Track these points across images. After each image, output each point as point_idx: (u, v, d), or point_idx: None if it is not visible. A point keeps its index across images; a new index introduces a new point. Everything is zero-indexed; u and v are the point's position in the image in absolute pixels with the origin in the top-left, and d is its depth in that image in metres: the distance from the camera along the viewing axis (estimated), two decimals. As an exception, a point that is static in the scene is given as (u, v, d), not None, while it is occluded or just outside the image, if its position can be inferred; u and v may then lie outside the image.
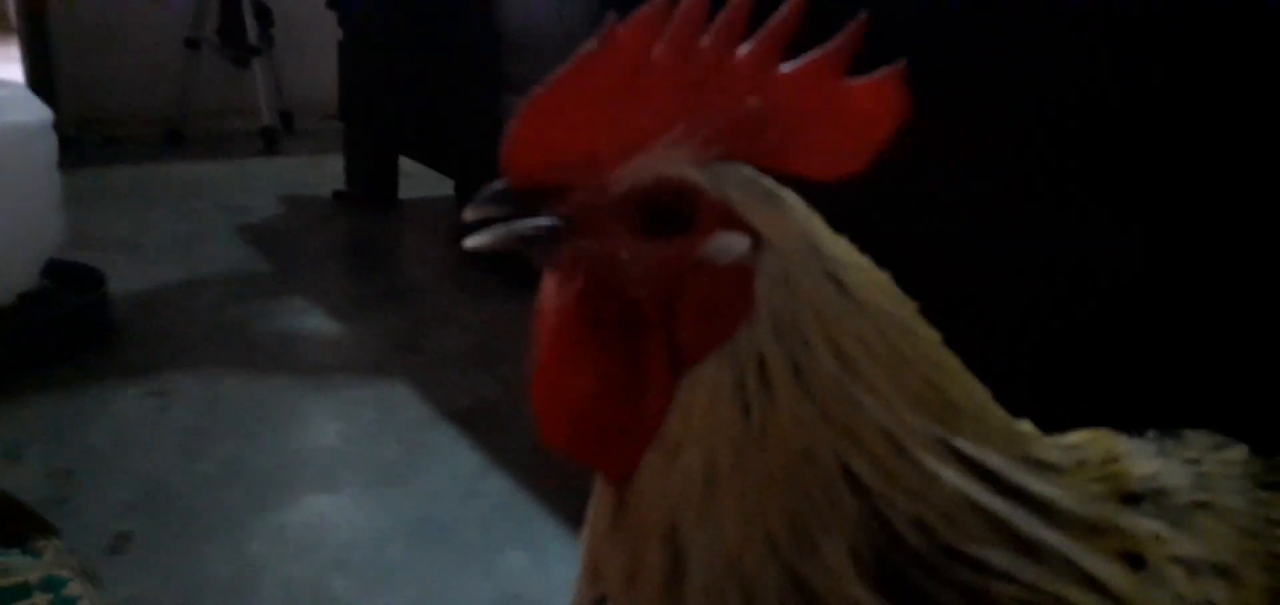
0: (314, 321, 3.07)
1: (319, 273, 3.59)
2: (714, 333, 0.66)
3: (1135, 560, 0.67)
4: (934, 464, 0.62)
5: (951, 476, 0.62)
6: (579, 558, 0.73)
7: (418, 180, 4.33)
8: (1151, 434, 0.84)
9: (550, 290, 0.73)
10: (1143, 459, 0.78)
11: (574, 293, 0.71)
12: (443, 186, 4.21)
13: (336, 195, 4.41)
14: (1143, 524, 0.70)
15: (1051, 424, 0.76)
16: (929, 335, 0.68)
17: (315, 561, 1.88)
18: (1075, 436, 0.77)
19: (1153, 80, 1.25)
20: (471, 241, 0.71)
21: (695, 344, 0.66)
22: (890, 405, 0.63)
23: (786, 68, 0.66)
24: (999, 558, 0.60)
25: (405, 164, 4.30)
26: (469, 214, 0.69)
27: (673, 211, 0.66)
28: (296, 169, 4.96)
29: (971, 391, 0.68)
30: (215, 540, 1.94)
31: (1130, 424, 0.85)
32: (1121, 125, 1.28)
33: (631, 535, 0.65)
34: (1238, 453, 0.84)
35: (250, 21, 5.42)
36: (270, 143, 5.41)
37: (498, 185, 0.67)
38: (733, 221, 0.66)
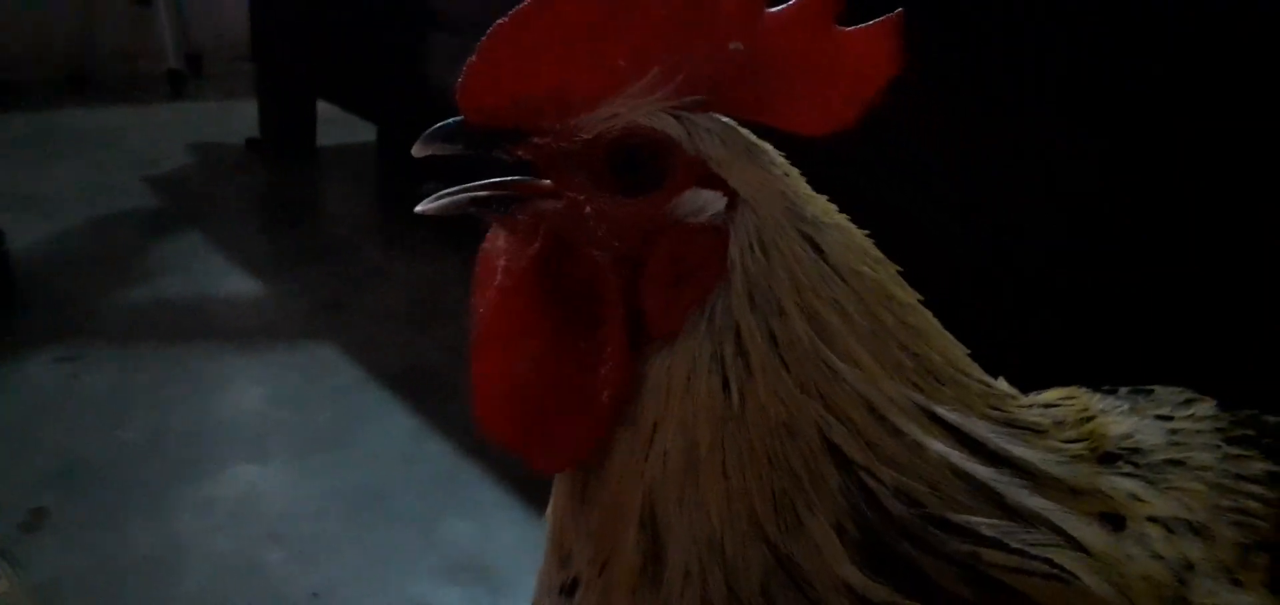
0: (233, 280, 3.01)
1: (236, 227, 3.52)
2: (684, 298, 0.65)
3: (1115, 521, 0.69)
4: (918, 433, 0.63)
5: (936, 446, 0.63)
6: (544, 536, 0.72)
7: (337, 126, 4.25)
8: (1123, 391, 0.86)
9: (497, 253, 0.71)
10: (1117, 418, 0.80)
11: (529, 256, 0.69)
12: (364, 132, 4.14)
13: (250, 143, 4.31)
14: (1121, 484, 0.72)
15: (1026, 379, 0.78)
16: (908, 299, 0.68)
17: (246, 534, 1.86)
18: (1050, 394, 0.79)
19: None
20: (423, 207, 0.70)
21: (662, 312, 0.65)
22: (870, 375, 0.64)
23: (774, 11, 0.65)
24: (988, 526, 0.61)
25: (323, 109, 4.21)
26: (418, 150, 0.67)
27: (644, 163, 0.64)
28: (207, 115, 4.84)
29: (951, 355, 0.69)
30: (138, 514, 1.91)
31: (1101, 378, 0.87)
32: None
33: (605, 518, 0.64)
34: (1206, 407, 0.86)
35: (152, -44, 5.26)
36: (177, 87, 5.27)
37: (451, 121, 0.65)
38: (708, 178, 0.65)
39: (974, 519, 0.61)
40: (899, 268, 0.69)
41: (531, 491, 1.94)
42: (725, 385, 0.63)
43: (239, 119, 4.48)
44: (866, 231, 0.69)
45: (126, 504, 1.94)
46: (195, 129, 4.54)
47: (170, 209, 3.60)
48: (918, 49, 0.64)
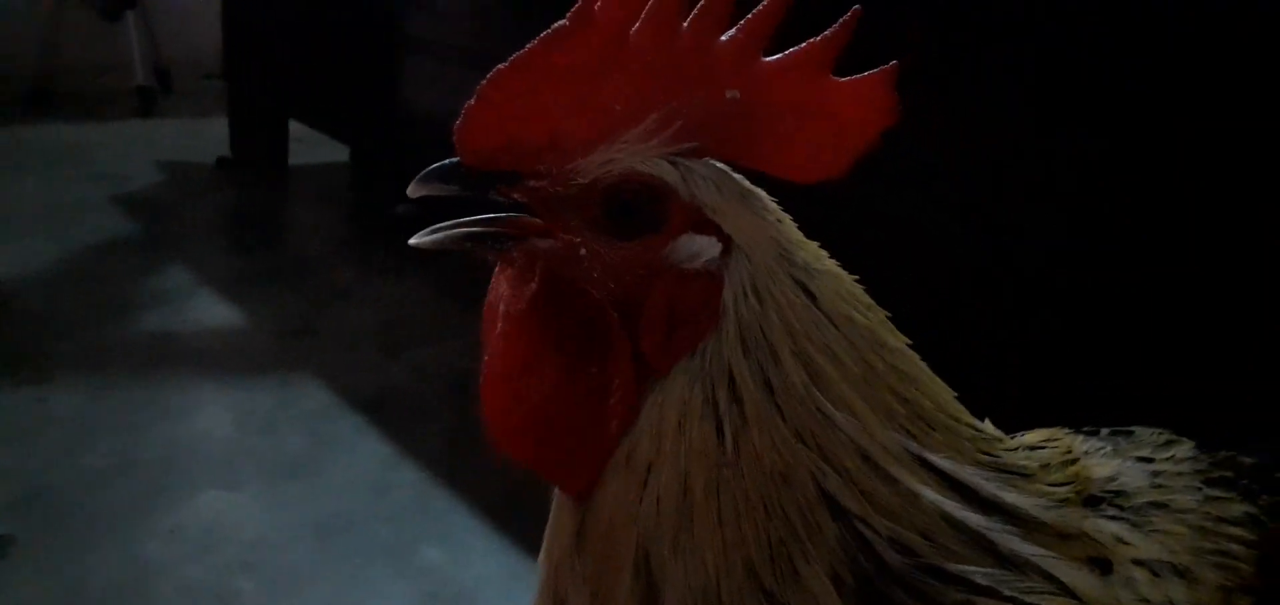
0: (202, 301, 2.99)
1: (206, 247, 3.49)
2: (679, 342, 0.66)
3: (1103, 564, 0.70)
4: (912, 482, 0.63)
5: (930, 494, 0.63)
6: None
7: (308, 145, 4.23)
8: (1104, 432, 0.87)
9: (502, 290, 0.71)
10: (1101, 460, 0.81)
11: (529, 294, 0.69)
12: (336, 151, 4.13)
13: (221, 162, 4.29)
14: (1107, 527, 0.73)
15: (1009, 414, 0.79)
16: (898, 344, 0.69)
17: (216, 563, 1.84)
18: (1033, 436, 0.80)
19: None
20: (417, 240, 0.70)
21: (659, 353, 0.66)
22: (864, 422, 0.64)
23: (770, 60, 0.65)
24: (982, 575, 0.62)
25: (295, 127, 4.20)
26: (413, 190, 0.67)
27: (639, 208, 0.65)
28: (176, 132, 4.82)
29: (941, 400, 0.69)
30: (105, 542, 1.88)
31: (1082, 416, 0.88)
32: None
33: (599, 562, 0.64)
34: (1186, 449, 0.87)
35: (122, -29, 5.22)
36: (146, 103, 5.24)
37: (447, 162, 0.65)
38: (702, 224, 0.65)
39: (968, 568, 0.62)
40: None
41: (505, 517, 1.94)
42: (719, 431, 0.64)
43: (209, 137, 4.46)
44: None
45: (94, 531, 1.91)
46: (165, 147, 4.52)
47: (139, 229, 3.57)
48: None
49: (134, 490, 2.05)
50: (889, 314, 0.69)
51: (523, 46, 0.65)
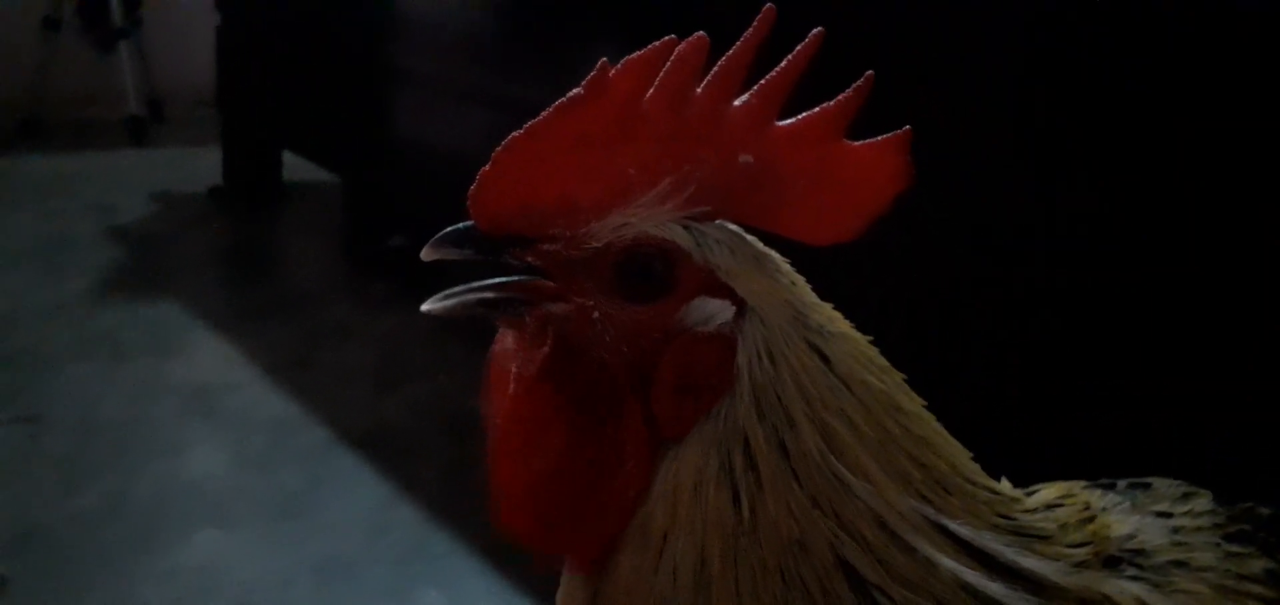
0: (196, 335, 2.98)
1: (198, 280, 3.48)
2: (693, 407, 0.65)
3: (1124, 629, 0.69)
4: (929, 550, 0.63)
5: (947, 563, 0.63)
6: None
7: (302, 175, 4.23)
8: (1122, 484, 0.86)
9: (509, 355, 0.71)
10: (1120, 516, 0.80)
11: (540, 359, 0.69)
12: (330, 182, 4.12)
13: (213, 192, 4.28)
14: (1128, 589, 0.72)
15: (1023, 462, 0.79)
16: (913, 408, 0.68)
17: (211, 605, 1.83)
18: (1049, 492, 0.79)
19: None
20: (429, 306, 0.70)
21: (672, 419, 0.66)
22: (880, 488, 0.64)
23: (783, 124, 0.65)
24: (1001, 647, 0.61)
25: (288, 158, 4.19)
26: (427, 254, 0.67)
27: (653, 272, 0.65)
28: (168, 162, 4.80)
29: (957, 463, 0.69)
30: (99, 584, 1.87)
31: (1098, 464, 0.88)
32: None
33: (615, 635, 0.64)
34: (1203, 501, 0.87)
35: (115, 1, 5.22)
36: (138, 133, 5.22)
37: (462, 226, 0.66)
38: (716, 287, 0.65)
39: (989, 640, 0.61)
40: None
41: (505, 560, 1.93)
42: (735, 498, 0.63)
43: (201, 167, 4.45)
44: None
45: (87, 572, 1.90)
46: (156, 177, 4.51)
47: (131, 261, 3.56)
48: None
49: (128, 530, 2.04)
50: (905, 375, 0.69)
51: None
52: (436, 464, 2.29)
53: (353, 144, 3.49)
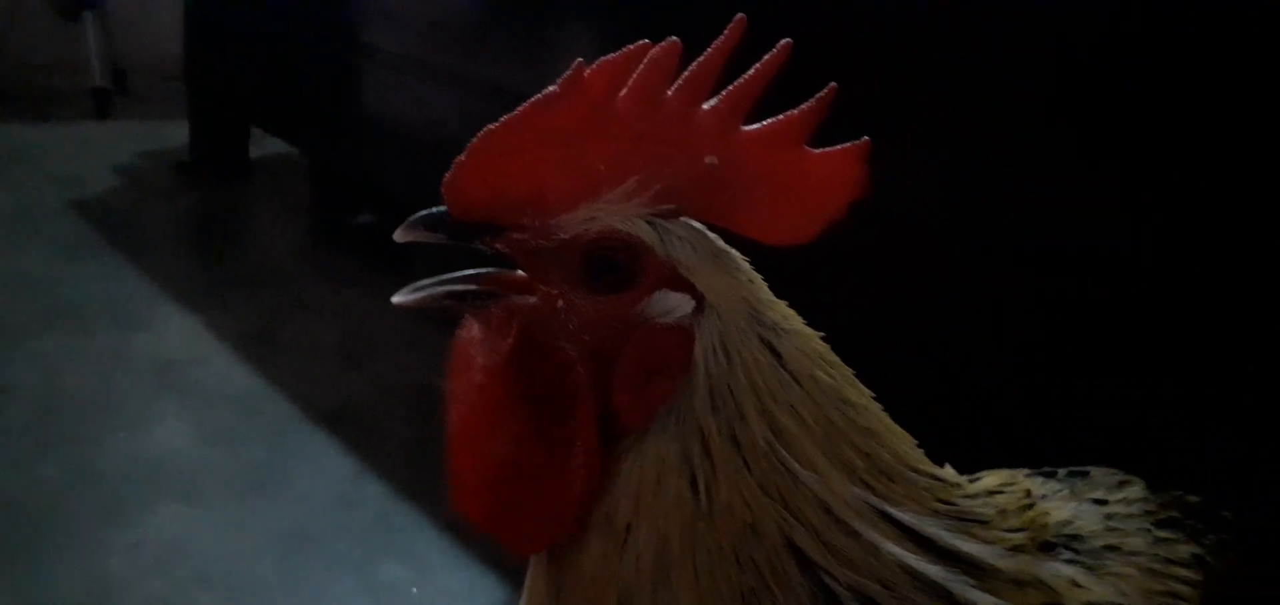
0: (161, 309, 2.96)
1: (165, 255, 3.46)
2: (651, 395, 0.68)
3: (1057, 610, 0.73)
4: (874, 535, 0.66)
5: (890, 546, 0.66)
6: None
7: (269, 151, 4.21)
8: (1062, 473, 0.91)
9: (473, 343, 0.73)
10: (1058, 503, 0.84)
11: (504, 350, 0.72)
12: (296, 157, 4.11)
13: (180, 166, 4.25)
14: (1063, 571, 0.76)
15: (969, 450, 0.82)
16: (860, 400, 0.72)
17: (177, 577, 1.84)
18: (991, 479, 0.83)
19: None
20: (399, 299, 0.72)
21: (630, 408, 0.69)
22: (826, 477, 0.67)
23: (749, 129, 0.68)
24: (941, 626, 0.64)
25: (256, 132, 4.17)
26: (400, 236, 0.69)
27: (617, 264, 0.68)
28: (134, 135, 4.75)
29: (900, 451, 0.72)
30: (65, 556, 1.88)
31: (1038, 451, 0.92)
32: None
33: (580, 619, 0.66)
34: (1137, 490, 0.91)
35: (79, -31, 5.15)
36: (102, 105, 5.16)
37: (434, 210, 0.68)
38: (677, 281, 0.68)
39: (929, 620, 0.64)
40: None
41: (468, 537, 1.95)
42: (693, 485, 0.66)
43: (167, 140, 4.42)
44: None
45: (52, 545, 1.90)
46: (122, 151, 4.46)
47: (96, 234, 3.52)
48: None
49: (94, 502, 2.04)
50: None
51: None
52: (401, 441, 2.31)
53: (320, 121, 3.48)
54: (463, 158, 0.67)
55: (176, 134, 4.36)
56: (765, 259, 0.73)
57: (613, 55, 0.68)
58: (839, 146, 0.68)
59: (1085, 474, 0.91)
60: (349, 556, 1.93)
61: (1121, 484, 0.91)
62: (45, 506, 2.02)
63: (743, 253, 0.72)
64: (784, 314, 0.71)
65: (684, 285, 0.68)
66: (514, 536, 0.71)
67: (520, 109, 0.67)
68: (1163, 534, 0.86)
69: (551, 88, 0.67)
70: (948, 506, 0.72)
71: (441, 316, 0.71)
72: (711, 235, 0.70)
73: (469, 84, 2.56)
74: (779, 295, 0.72)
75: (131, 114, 5.18)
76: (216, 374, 2.60)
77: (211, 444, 2.29)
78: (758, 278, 0.71)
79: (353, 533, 1.99)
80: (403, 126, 2.95)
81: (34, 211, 3.68)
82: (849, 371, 0.72)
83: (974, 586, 0.68)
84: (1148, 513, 0.88)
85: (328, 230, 3.64)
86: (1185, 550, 0.85)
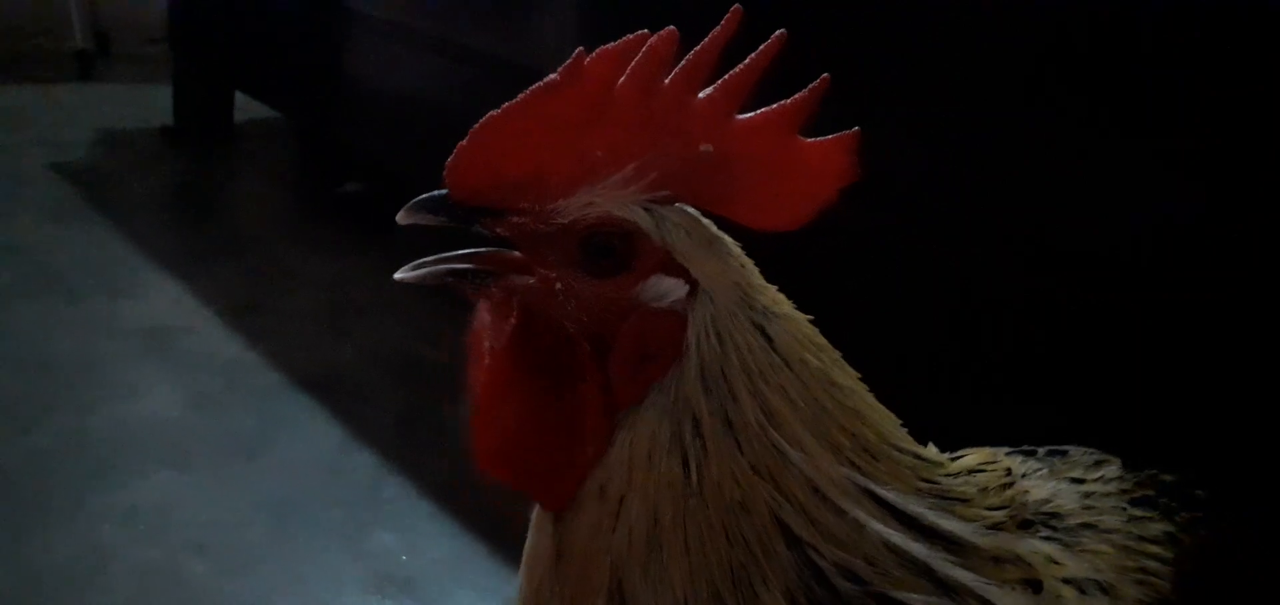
0: (148, 275, 2.97)
1: (150, 220, 3.46)
2: (645, 375, 0.71)
3: (1034, 585, 0.76)
4: (859, 513, 0.69)
5: (875, 524, 0.69)
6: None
7: (254, 115, 4.20)
8: (1042, 452, 0.93)
9: (483, 327, 0.75)
10: (1038, 482, 0.87)
11: (508, 329, 0.74)
12: (281, 122, 4.10)
13: (165, 131, 4.23)
14: (1040, 548, 0.79)
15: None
16: (847, 382, 0.74)
17: (170, 544, 1.87)
18: (973, 458, 0.85)
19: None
20: (401, 275, 0.74)
21: (627, 385, 0.71)
22: (813, 457, 0.70)
23: (743, 118, 0.70)
24: (923, 601, 0.67)
25: (241, 97, 4.15)
26: (402, 218, 0.71)
27: (614, 249, 0.70)
28: (117, 99, 4.73)
29: (885, 431, 0.75)
30: (57, 522, 1.90)
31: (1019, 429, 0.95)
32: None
33: (575, 587, 0.69)
34: (1113, 469, 0.94)
35: (61, -72, 5.10)
36: (85, 68, 5.13)
37: (436, 193, 0.70)
38: (672, 266, 0.70)
39: (912, 596, 0.67)
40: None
41: (455, 503, 1.98)
42: (685, 463, 0.69)
43: (152, 104, 4.39)
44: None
45: (44, 511, 1.92)
46: (105, 114, 4.44)
47: (81, 199, 3.52)
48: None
49: (85, 469, 2.06)
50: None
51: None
52: (389, 409, 2.33)
53: (306, 87, 3.47)
54: (464, 142, 0.69)
55: (160, 97, 4.33)
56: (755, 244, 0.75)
57: (612, 44, 0.69)
58: (829, 136, 0.70)
59: (1064, 453, 0.94)
60: (339, 524, 1.95)
61: (1099, 463, 0.94)
62: (36, 473, 2.04)
63: (735, 238, 0.74)
64: (774, 298, 0.74)
65: (678, 270, 0.70)
66: (536, 494, 0.74)
67: (521, 95, 0.69)
68: (1137, 512, 0.89)
69: (552, 75, 0.68)
70: (930, 485, 0.75)
71: (443, 292, 0.73)
72: (705, 221, 0.73)
73: (456, 53, 2.57)
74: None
75: (115, 77, 5.15)
76: (204, 341, 2.61)
77: (200, 411, 2.30)
78: (749, 263, 0.74)
79: (343, 501, 2.02)
80: (389, 94, 2.96)
81: (17, 176, 3.67)
82: (836, 354, 0.74)
83: (955, 563, 0.71)
84: (1124, 492, 0.91)
85: (313, 197, 3.64)
86: (1158, 528, 0.88)
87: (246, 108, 4.17)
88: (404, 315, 2.69)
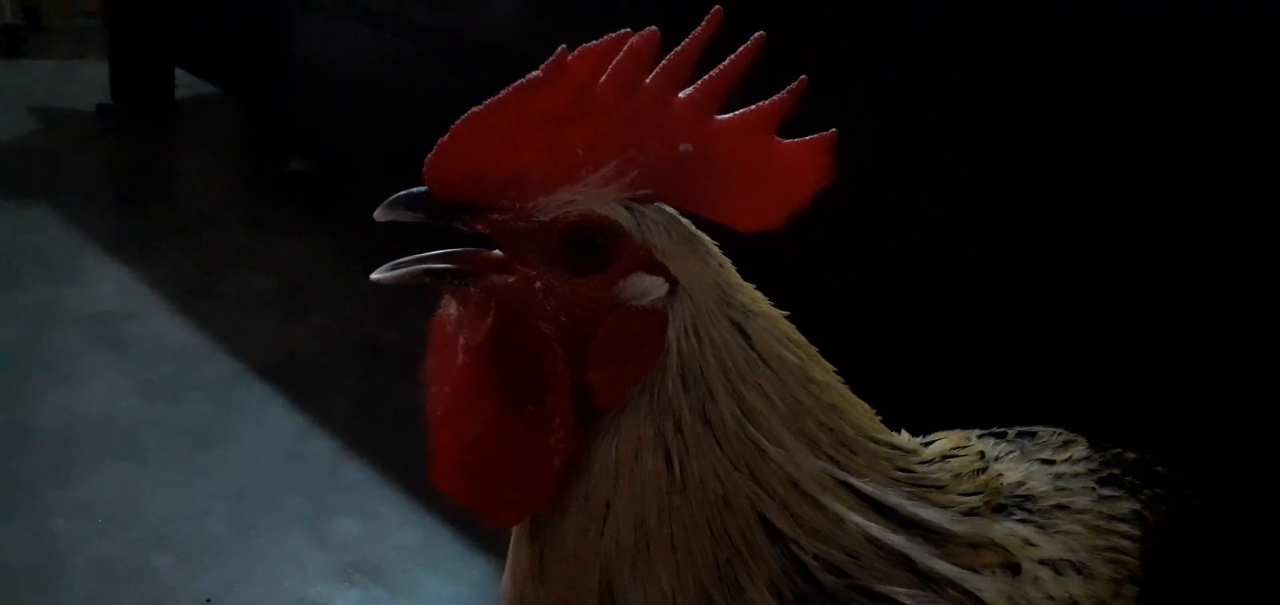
0: (90, 260, 2.93)
1: (89, 202, 3.39)
2: (625, 376, 0.72)
3: (1013, 568, 0.78)
4: (838, 506, 0.71)
5: (854, 517, 0.71)
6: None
7: (195, 91, 4.14)
8: (1012, 433, 0.96)
9: (451, 325, 0.76)
10: (1011, 464, 0.90)
11: (484, 329, 0.75)
12: (223, 99, 4.04)
13: (102, 108, 4.15)
14: (1017, 531, 0.82)
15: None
16: (824, 378, 0.76)
17: (129, 537, 1.86)
18: (945, 442, 0.88)
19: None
20: (378, 275, 0.74)
21: (606, 386, 0.72)
22: (792, 453, 0.72)
23: (722, 118, 0.72)
24: (906, 595, 0.70)
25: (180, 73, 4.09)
26: (381, 215, 0.72)
27: (594, 247, 0.71)
28: (49, 76, 4.64)
29: (861, 424, 0.77)
30: (10, 518, 1.89)
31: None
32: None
33: (564, 591, 0.71)
34: (1080, 448, 0.97)
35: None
36: (14, 43, 5.01)
37: (415, 190, 0.71)
38: (652, 264, 0.72)
39: (894, 588, 0.70)
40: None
41: (419, 487, 1.98)
42: (668, 461, 0.70)
43: (86, 81, 4.31)
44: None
45: (-2, 507, 1.90)
46: (37, 92, 4.35)
47: (14, 181, 3.45)
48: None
49: (37, 463, 2.04)
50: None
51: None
52: (347, 393, 2.33)
53: (250, 64, 3.42)
54: (445, 139, 0.70)
55: (94, 74, 4.25)
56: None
57: (594, 43, 0.70)
58: (807, 138, 0.71)
59: (1033, 434, 0.97)
60: (301, 512, 1.95)
61: (1067, 443, 0.97)
62: (-13, 468, 2.01)
63: (712, 238, 0.76)
64: (752, 297, 0.75)
65: (658, 269, 0.72)
66: (493, 510, 0.75)
67: (502, 93, 0.69)
68: (1105, 491, 0.92)
69: (534, 73, 0.69)
70: (906, 474, 0.77)
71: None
72: (684, 220, 0.74)
73: (404, 29, 2.55)
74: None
75: (45, 53, 5.03)
76: (153, 328, 2.59)
77: (153, 400, 2.29)
78: (727, 262, 0.75)
79: (303, 488, 2.02)
80: (335, 70, 2.93)
81: (-54, 159, 3.59)
82: (814, 349, 0.76)
83: (934, 554, 0.73)
84: (1091, 471, 0.94)
85: (259, 176, 3.59)
86: (1125, 506, 0.91)
87: (187, 84, 4.10)
88: (360, 297, 2.68)
